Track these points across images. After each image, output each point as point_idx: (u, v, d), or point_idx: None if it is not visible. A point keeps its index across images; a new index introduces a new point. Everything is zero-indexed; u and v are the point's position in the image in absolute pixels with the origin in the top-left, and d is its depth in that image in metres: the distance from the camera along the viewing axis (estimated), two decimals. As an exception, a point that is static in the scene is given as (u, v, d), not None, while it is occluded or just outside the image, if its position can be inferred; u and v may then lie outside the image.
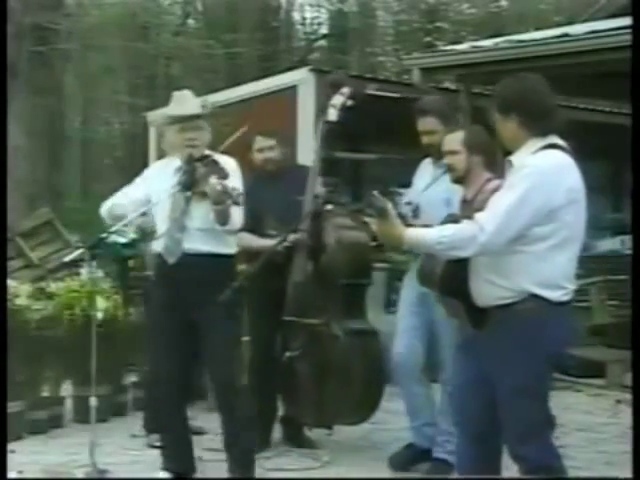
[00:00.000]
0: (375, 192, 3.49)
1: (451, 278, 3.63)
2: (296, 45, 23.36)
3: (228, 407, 4.61)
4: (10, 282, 5.94)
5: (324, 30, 23.48)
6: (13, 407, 5.46)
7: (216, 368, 4.65)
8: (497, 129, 3.63)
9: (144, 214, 4.83)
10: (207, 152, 4.65)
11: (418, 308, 4.94)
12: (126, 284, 6.38)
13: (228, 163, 4.61)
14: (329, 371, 5.09)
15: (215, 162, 4.54)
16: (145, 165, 8.94)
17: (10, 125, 10.33)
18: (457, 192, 4.44)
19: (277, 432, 5.57)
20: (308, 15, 23.55)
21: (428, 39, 20.94)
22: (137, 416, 6.00)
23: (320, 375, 5.13)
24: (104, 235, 5.04)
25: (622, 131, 6.01)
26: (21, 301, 5.85)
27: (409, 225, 3.76)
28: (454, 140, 4.42)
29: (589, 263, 8.65)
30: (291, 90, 8.57)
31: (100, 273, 6.21)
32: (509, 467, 3.67)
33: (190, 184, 4.59)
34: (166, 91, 20.31)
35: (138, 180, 4.82)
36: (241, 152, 5.06)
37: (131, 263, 6.38)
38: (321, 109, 5.39)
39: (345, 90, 5.23)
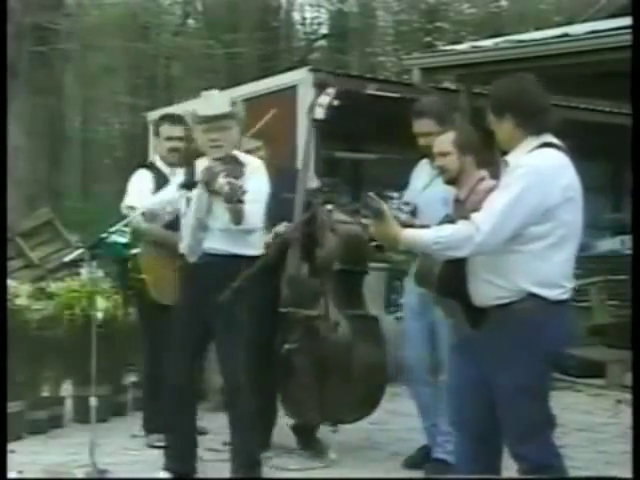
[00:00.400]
0: (371, 193, 3.50)
1: (449, 278, 3.63)
2: (296, 45, 23.35)
3: (238, 407, 4.62)
4: (10, 282, 5.94)
5: (324, 30, 23.47)
6: (13, 407, 5.46)
7: (229, 368, 4.66)
8: (493, 130, 3.64)
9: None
10: (232, 152, 4.65)
11: (419, 310, 4.94)
12: (126, 284, 6.38)
13: (250, 163, 4.64)
14: (330, 361, 5.06)
15: (234, 161, 4.55)
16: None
17: (10, 125, 10.31)
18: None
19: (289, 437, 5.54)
20: (308, 15, 23.56)
21: (428, 39, 20.94)
22: (137, 416, 6.00)
23: (320, 366, 5.09)
24: (104, 235, 5.05)
25: (622, 131, 6.02)
26: (21, 301, 5.85)
27: (408, 226, 3.77)
28: (445, 141, 4.41)
29: (589, 263, 8.67)
30: (291, 90, 8.57)
31: (100, 273, 6.21)
32: (509, 467, 3.66)
33: (190, 185, 4.61)
34: (166, 91, 20.44)
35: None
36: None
37: (131, 263, 6.38)
38: (310, 108, 5.47)
39: (330, 90, 5.33)
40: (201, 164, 4.74)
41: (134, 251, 5.47)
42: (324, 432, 5.40)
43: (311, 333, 5.15)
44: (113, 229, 5.10)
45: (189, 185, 4.67)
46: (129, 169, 5.81)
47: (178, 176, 5.40)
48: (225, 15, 21.54)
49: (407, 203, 4.81)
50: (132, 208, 5.27)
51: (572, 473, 3.69)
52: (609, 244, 10.39)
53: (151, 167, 5.62)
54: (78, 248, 5.51)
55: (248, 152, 5.38)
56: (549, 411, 3.56)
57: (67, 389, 6.21)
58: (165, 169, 5.54)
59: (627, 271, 4.82)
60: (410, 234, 3.54)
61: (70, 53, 16.69)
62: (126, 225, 5.30)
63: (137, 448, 5.53)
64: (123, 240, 6.02)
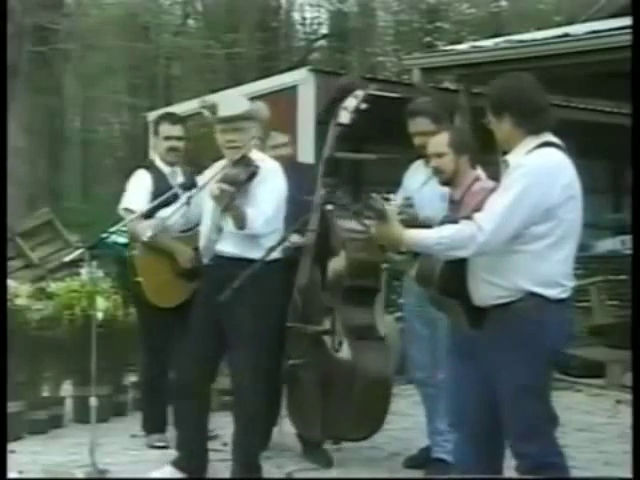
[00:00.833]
0: (373, 194, 3.50)
1: (449, 278, 3.64)
2: (296, 45, 23.37)
3: (243, 408, 4.63)
4: (10, 282, 5.94)
5: (324, 30, 23.49)
6: (13, 407, 5.46)
7: (237, 370, 4.67)
8: (492, 130, 3.64)
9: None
10: (252, 153, 4.63)
11: (419, 310, 4.94)
12: (126, 284, 6.38)
13: (265, 165, 4.61)
14: (331, 380, 4.94)
15: (246, 163, 4.53)
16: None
17: (10, 125, 10.32)
18: None
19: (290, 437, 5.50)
20: (308, 15, 23.58)
21: (428, 39, 20.96)
22: (137, 416, 5.99)
23: (323, 384, 4.97)
24: (104, 235, 5.05)
25: (622, 131, 6.02)
26: (21, 301, 5.85)
27: (412, 225, 3.77)
28: (440, 142, 4.40)
29: (589, 263, 8.67)
30: (291, 90, 8.57)
31: (100, 273, 6.21)
32: (510, 467, 3.66)
33: (190, 185, 4.63)
34: (166, 91, 20.44)
35: None
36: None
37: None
38: (326, 110, 5.34)
39: (359, 93, 5.13)
40: (219, 165, 4.74)
41: (131, 253, 5.46)
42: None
43: (316, 350, 5.01)
44: (113, 229, 5.09)
45: (189, 185, 4.69)
46: (129, 169, 5.80)
47: (178, 178, 5.41)
48: (225, 15, 21.54)
49: (408, 197, 4.80)
50: (129, 211, 5.28)
51: (572, 473, 3.69)
52: (609, 244, 10.39)
53: (150, 167, 5.61)
54: (78, 248, 5.50)
55: (275, 147, 5.34)
56: (551, 409, 3.57)
57: (67, 389, 6.20)
58: (165, 169, 5.53)
59: (627, 271, 4.84)
60: (412, 235, 3.54)
61: (70, 53, 16.69)
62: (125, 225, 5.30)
63: (137, 448, 5.53)
64: (123, 240, 6.03)
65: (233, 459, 4.66)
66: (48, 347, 5.93)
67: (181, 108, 9.04)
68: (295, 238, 5.05)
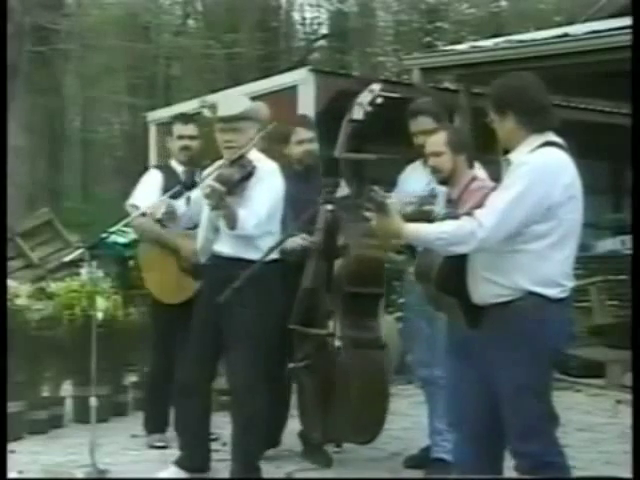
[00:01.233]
0: (375, 187, 3.50)
1: (448, 275, 3.63)
2: (296, 45, 23.36)
3: (242, 408, 4.63)
4: (10, 282, 5.94)
5: (324, 30, 23.47)
6: (13, 407, 5.46)
7: (235, 370, 4.67)
8: (494, 129, 3.64)
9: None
10: (249, 153, 4.61)
11: (422, 308, 4.93)
12: (126, 284, 6.38)
13: (262, 167, 4.59)
14: (333, 385, 4.88)
15: (244, 164, 4.53)
16: (145, 165, 8.95)
17: (10, 125, 10.32)
18: None
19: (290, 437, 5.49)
20: (308, 15, 23.56)
21: (428, 39, 20.96)
22: (137, 416, 5.99)
23: (324, 389, 4.93)
24: (104, 235, 5.05)
25: (622, 131, 6.02)
26: (21, 301, 5.85)
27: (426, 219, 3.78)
28: (437, 141, 4.39)
29: (589, 263, 8.67)
30: (291, 90, 8.57)
31: (100, 273, 6.21)
32: (511, 467, 3.66)
33: (190, 185, 4.63)
34: (166, 91, 20.44)
35: None
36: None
37: (131, 263, 6.39)
38: (324, 109, 5.30)
39: (375, 87, 4.96)
40: (216, 165, 4.74)
41: (137, 249, 5.46)
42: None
43: (319, 352, 4.94)
44: (113, 229, 5.10)
45: (189, 185, 4.68)
46: (129, 169, 5.83)
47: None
48: (225, 15, 21.53)
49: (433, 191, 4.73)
50: (135, 207, 5.28)
51: (572, 473, 3.69)
52: (609, 244, 10.39)
53: (163, 167, 5.62)
54: (78, 248, 5.50)
55: (301, 143, 5.26)
56: (551, 409, 3.57)
57: (67, 389, 6.20)
58: (178, 168, 5.54)
59: (627, 271, 4.84)
60: (413, 229, 3.54)
61: (70, 53, 16.71)
62: (126, 225, 5.30)
63: (137, 448, 5.53)
64: (123, 240, 6.03)
65: (232, 459, 4.66)
66: (48, 347, 5.93)
67: (181, 108, 9.05)
68: (299, 241, 4.99)
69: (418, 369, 5.15)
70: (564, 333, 3.61)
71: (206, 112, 4.72)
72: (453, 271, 3.61)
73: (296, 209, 4.91)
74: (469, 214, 3.50)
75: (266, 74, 10.96)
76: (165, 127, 5.81)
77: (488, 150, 4.80)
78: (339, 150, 5.00)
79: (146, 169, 5.93)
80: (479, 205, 3.55)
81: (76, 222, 12.91)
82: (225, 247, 4.60)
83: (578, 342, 7.48)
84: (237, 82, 10.61)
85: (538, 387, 3.53)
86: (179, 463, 4.73)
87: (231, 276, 4.33)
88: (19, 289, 6.03)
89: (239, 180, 4.48)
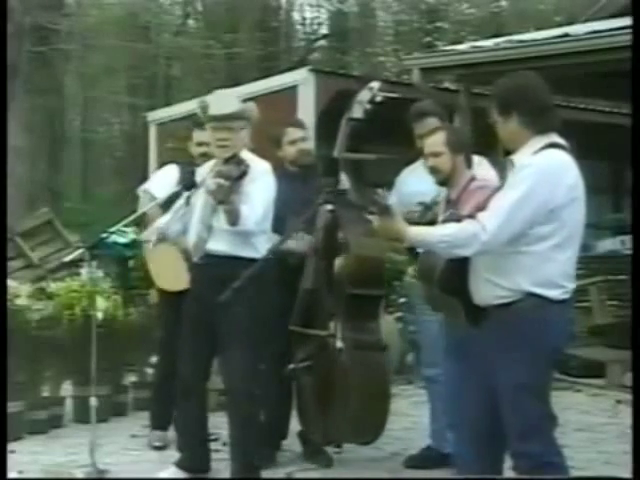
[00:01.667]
0: (379, 190, 3.50)
1: (450, 276, 3.64)
2: (296, 45, 23.37)
3: (238, 408, 4.63)
4: (10, 282, 5.94)
5: (324, 30, 23.49)
6: (13, 407, 5.46)
7: (229, 369, 4.67)
8: (498, 130, 3.63)
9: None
10: (241, 153, 4.62)
11: (420, 309, 4.93)
12: (126, 284, 6.38)
13: (256, 166, 4.60)
14: (333, 387, 4.87)
15: (238, 162, 4.54)
16: (145, 165, 8.96)
17: (10, 125, 10.33)
18: None
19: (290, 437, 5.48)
20: (308, 15, 23.58)
21: (428, 39, 20.97)
22: (137, 416, 6.00)
23: (325, 390, 4.90)
24: (104, 235, 5.05)
25: (622, 131, 6.02)
26: (21, 301, 5.85)
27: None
28: (436, 142, 4.38)
29: (589, 263, 8.67)
30: (291, 90, 8.57)
31: (100, 273, 6.21)
32: (511, 467, 3.66)
33: (190, 185, 4.63)
34: (166, 91, 20.44)
35: None
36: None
37: (131, 263, 6.39)
38: (324, 110, 5.29)
39: (374, 84, 4.95)
40: (209, 164, 4.75)
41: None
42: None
43: (319, 353, 4.91)
44: (113, 229, 5.10)
45: (189, 185, 4.68)
46: (129, 169, 5.84)
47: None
48: (225, 15, 21.54)
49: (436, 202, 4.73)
50: (147, 192, 5.28)
51: (572, 473, 3.69)
52: (609, 244, 10.40)
53: (184, 164, 5.57)
54: (78, 248, 5.50)
55: (293, 142, 5.23)
56: (550, 409, 3.57)
57: (67, 389, 6.20)
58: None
59: (627, 271, 4.83)
60: (415, 232, 3.54)
61: (70, 53, 16.71)
62: (127, 225, 5.30)
63: (137, 448, 5.53)
64: (123, 240, 6.03)
65: (231, 459, 4.66)
66: (48, 347, 5.93)
67: (181, 108, 9.06)
68: (299, 241, 4.99)
69: (423, 369, 5.14)
70: (565, 334, 3.61)
71: (199, 111, 4.69)
72: (455, 272, 3.61)
73: (295, 210, 4.86)
74: (472, 217, 3.50)
75: (266, 74, 10.97)
76: (165, 127, 5.79)
77: (489, 150, 4.80)
78: (338, 150, 4.99)
79: (146, 169, 5.93)
80: (479, 205, 3.55)
81: (76, 222, 12.91)
82: (220, 245, 4.57)
83: (578, 342, 7.49)
84: (237, 82, 10.60)
85: (538, 388, 3.53)
86: (179, 464, 4.73)
87: (227, 274, 4.30)
88: (19, 289, 6.03)
89: (237, 177, 4.50)
